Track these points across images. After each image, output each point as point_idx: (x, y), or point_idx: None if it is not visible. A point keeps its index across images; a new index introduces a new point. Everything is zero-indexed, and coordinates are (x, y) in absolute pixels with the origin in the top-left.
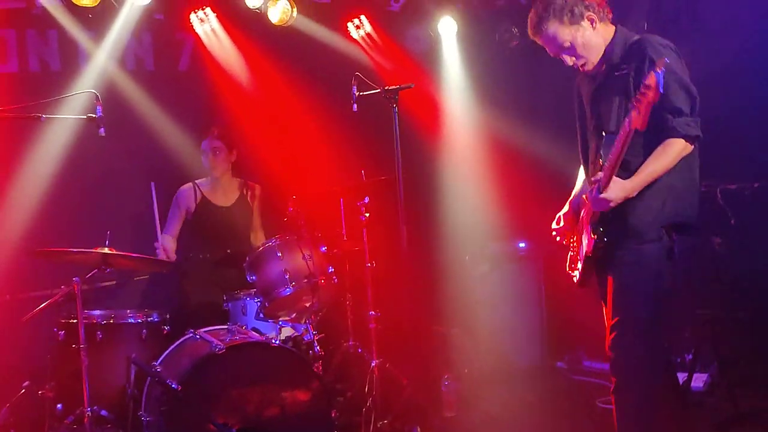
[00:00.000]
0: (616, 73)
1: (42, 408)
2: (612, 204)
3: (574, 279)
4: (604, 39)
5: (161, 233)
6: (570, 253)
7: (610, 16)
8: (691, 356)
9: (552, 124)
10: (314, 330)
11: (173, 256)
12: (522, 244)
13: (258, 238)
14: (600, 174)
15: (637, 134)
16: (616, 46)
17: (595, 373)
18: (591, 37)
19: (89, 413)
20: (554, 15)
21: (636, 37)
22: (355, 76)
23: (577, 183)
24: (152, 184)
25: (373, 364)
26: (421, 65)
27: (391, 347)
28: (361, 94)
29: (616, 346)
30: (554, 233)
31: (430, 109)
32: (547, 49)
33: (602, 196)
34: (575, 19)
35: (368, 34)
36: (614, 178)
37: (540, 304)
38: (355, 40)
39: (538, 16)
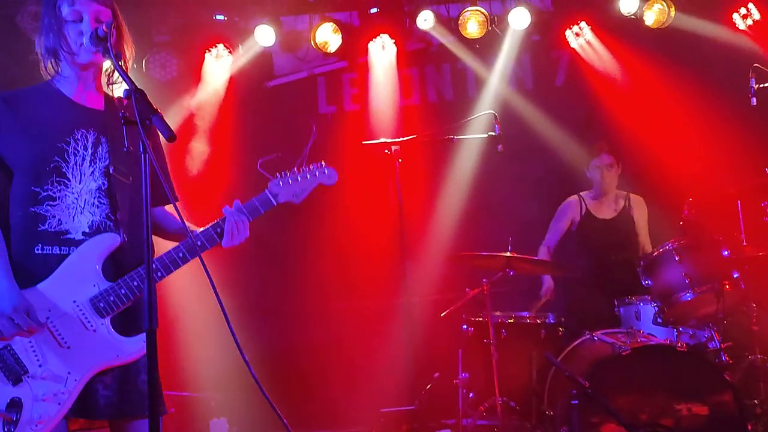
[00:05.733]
0: None
1: (454, 395)
2: None
3: None
4: None
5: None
6: None
7: None
8: None
9: None
10: (719, 337)
11: None
12: None
13: (645, 249)
14: None
15: None
16: None
17: None
18: None
19: (501, 403)
20: None
21: None
22: (753, 68)
23: None
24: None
25: None
26: None
27: None
28: (761, 86)
29: None
30: None
31: None
32: None
33: None
34: None
35: (756, 22)
36: None
37: None
38: (742, 31)
39: None
